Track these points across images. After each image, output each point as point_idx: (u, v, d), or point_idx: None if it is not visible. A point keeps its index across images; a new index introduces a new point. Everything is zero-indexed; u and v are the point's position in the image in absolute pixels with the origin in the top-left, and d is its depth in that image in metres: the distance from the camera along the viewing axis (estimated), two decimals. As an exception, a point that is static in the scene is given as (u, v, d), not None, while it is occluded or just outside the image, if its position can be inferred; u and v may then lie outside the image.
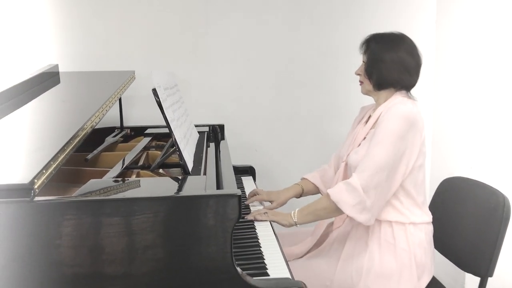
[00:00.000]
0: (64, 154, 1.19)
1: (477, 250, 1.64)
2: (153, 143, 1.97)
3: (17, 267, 1.06)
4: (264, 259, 1.34)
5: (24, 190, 1.02)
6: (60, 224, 1.06)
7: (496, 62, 2.37)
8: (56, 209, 1.06)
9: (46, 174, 1.07)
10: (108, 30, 2.36)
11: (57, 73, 2.10)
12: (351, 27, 2.47)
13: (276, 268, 1.29)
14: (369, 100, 1.76)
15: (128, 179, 1.40)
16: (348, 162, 1.69)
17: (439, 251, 1.79)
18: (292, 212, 1.63)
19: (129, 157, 1.66)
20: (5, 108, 1.54)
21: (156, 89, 1.38)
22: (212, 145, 1.97)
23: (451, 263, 1.77)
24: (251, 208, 1.75)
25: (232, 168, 1.73)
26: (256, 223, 1.61)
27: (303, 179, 1.91)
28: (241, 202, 1.14)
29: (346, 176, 1.73)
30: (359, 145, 1.68)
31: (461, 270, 1.73)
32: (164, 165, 1.61)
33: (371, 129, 1.67)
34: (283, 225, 1.62)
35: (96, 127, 1.50)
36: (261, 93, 2.52)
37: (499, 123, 2.41)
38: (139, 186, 1.28)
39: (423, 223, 1.65)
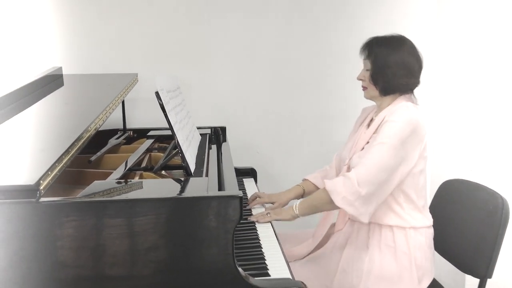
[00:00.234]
0: (69, 156, 1.21)
1: (476, 252, 1.65)
2: (156, 145, 1.99)
3: (22, 267, 1.08)
4: (265, 260, 1.35)
5: (30, 191, 1.04)
6: (65, 224, 1.08)
7: (495, 65, 2.38)
8: (61, 210, 1.08)
9: (52, 176, 1.09)
10: (111, 33, 2.38)
11: (61, 76, 2.12)
12: (353, 28, 2.48)
13: (277, 268, 1.31)
14: (371, 101, 1.77)
15: (131, 181, 1.42)
16: (351, 165, 1.69)
17: (439, 252, 1.80)
18: (294, 205, 1.66)
19: (132, 159, 1.68)
20: (10, 110, 1.56)
21: (159, 92, 1.40)
22: (214, 147, 1.99)
23: (451, 264, 1.78)
24: (253, 212, 1.76)
25: (233, 170, 1.74)
26: (257, 224, 1.62)
27: (304, 180, 1.92)
28: (242, 203, 1.16)
29: None
30: (362, 149, 1.68)
31: (461, 272, 1.74)
32: (167, 166, 1.63)
33: (374, 133, 1.66)
34: (287, 220, 1.65)
35: (99, 129, 1.52)
36: (262, 95, 2.53)
37: (498, 125, 2.42)
38: (143, 187, 1.30)
39: (424, 227, 1.66)
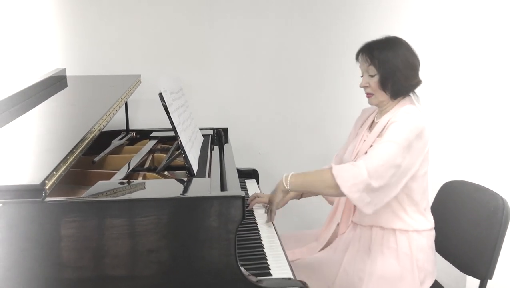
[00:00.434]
0: (74, 156, 1.22)
1: (477, 253, 1.66)
2: (159, 146, 2.00)
3: (26, 266, 1.09)
4: (267, 260, 1.37)
5: (35, 191, 1.05)
6: (70, 224, 1.09)
7: (497, 66, 2.39)
8: (66, 209, 1.09)
9: (57, 176, 1.10)
10: (114, 35, 2.40)
11: (65, 77, 2.14)
12: (354, 29, 2.47)
13: (278, 268, 1.32)
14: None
15: (135, 181, 1.43)
16: None
17: (440, 253, 1.81)
18: (284, 179, 1.58)
19: (135, 160, 1.69)
20: (16, 111, 1.57)
21: (163, 94, 1.41)
22: (216, 148, 2.00)
23: (452, 265, 1.79)
24: (255, 212, 1.77)
25: (236, 171, 1.76)
26: (259, 224, 1.63)
27: None
28: (245, 203, 1.17)
29: None
30: (365, 153, 1.66)
31: (462, 273, 1.74)
32: (170, 167, 1.64)
33: (378, 137, 1.65)
34: (280, 198, 1.61)
35: (103, 130, 1.53)
36: (265, 96, 2.54)
37: (499, 126, 2.43)
38: (147, 187, 1.31)
39: (426, 229, 1.66)
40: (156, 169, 1.59)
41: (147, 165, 1.70)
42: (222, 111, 2.53)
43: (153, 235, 1.12)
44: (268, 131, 2.58)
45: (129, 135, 2.21)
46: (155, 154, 1.85)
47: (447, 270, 1.88)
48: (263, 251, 1.42)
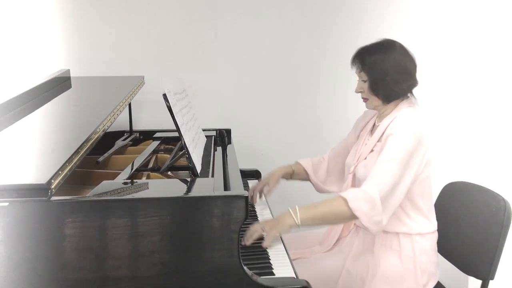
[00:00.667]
0: (78, 156, 1.23)
1: (479, 253, 1.67)
2: (162, 147, 2.02)
3: (32, 265, 1.10)
4: (270, 259, 1.38)
5: (41, 190, 1.06)
6: (75, 223, 1.10)
7: (499, 68, 2.40)
8: (72, 208, 1.11)
9: (62, 175, 1.12)
10: (118, 36, 2.41)
11: (69, 78, 2.16)
12: (358, 31, 2.48)
13: (281, 267, 1.33)
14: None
15: (139, 181, 1.44)
16: (356, 174, 1.69)
17: (442, 254, 1.82)
18: (294, 214, 1.47)
19: (138, 160, 1.71)
20: (20, 112, 1.59)
21: (167, 94, 1.42)
22: (219, 149, 2.01)
23: (453, 266, 1.80)
24: (258, 212, 1.78)
25: (239, 171, 1.76)
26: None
27: (296, 162, 1.95)
28: (248, 203, 1.18)
29: (354, 187, 1.71)
30: (365, 158, 1.67)
31: (464, 273, 1.75)
32: (173, 167, 1.66)
33: (378, 141, 1.65)
34: (285, 232, 1.48)
35: (107, 130, 1.54)
36: (267, 98, 2.56)
37: (501, 127, 2.43)
38: (152, 187, 1.32)
39: (429, 232, 1.67)
40: (160, 169, 1.60)
41: (150, 165, 1.71)
42: (225, 112, 2.54)
43: (158, 235, 1.13)
44: (270, 132, 2.58)
45: (132, 136, 2.22)
46: (158, 155, 1.86)
47: (448, 271, 1.89)
48: (265, 250, 1.43)
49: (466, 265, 1.73)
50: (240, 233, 1.18)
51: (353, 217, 1.48)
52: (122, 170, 1.59)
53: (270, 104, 2.56)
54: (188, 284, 1.16)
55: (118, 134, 2.21)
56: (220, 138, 2.22)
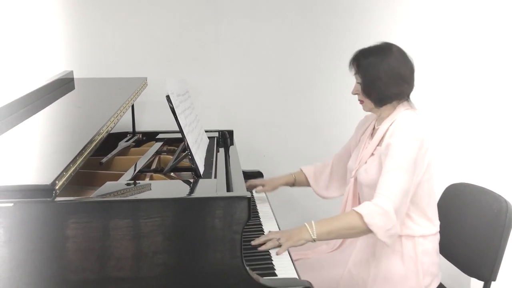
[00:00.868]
0: (82, 157, 1.24)
1: (480, 255, 1.67)
2: (165, 148, 2.02)
3: (35, 265, 1.11)
4: (272, 260, 1.38)
5: (46, 191, 1.07)
6: (79, 223, 1.11)
7: (500, 69, 2.40)
8: (76, 209, 1.11)
9: (66, 176, 1.12)
10: (121, 38, 2.42)
11: (72, 79, 2.17)
12: (361, 32, 2.48)
13: (283, 268, 1.34)
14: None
15: (143, 182, 1.45)
16: (358, 178, 1.70)
17: (444, 255, 1.82)
18: (308, 226, 1.49)
19: (141, 161, 1.71)
20: (25, 112, 1.60)
21: (170, 96, 1.43)
22: (221, 150, 2.02)
23: (455, 267, 1.80)
24: (260, 213, 1.79)
25: (241, 172, 1.77)
26: (264, 225, 1.65)
27: (300, 170, 2.00)
28: (250, 204, 1.19)
29: (356, 191, 1.74)
30: (366, 162, 1.68)
31: (466, 275, 1.75)
32: (176, 168, 1.66)
33: (378, 145, 1.65)
34: (300, 245, 1.49)
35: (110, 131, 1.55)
36: (269, 99, 2.56)
37: (502, 129, 2.44)
38: (155, 188, 1.33)
39: (432, 234, 1.67)
40: (163, 171, 1.61)
41: (153, 166, 1.72)
42: (227, 114, 2.54)
43: (161, 235, 1.14)
44: (272, 133, 2.59)
45: (135, 137, 2.23)
46: (161, 156, 1.87)
47: (450, 272, 1.89)
48: (268, 251, 1.44)
49: (468, 266, 1.73)
50: (243, 234, 1.19)
51: (369, 231, 1.48)
52: (125, 171, 1.60)
53: (272, 105, 2.57)
54: (191, 284, 1.17)
55: (121, 135, 2.22)
56: (223, 139, 2.22)
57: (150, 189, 1.33)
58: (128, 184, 1.36)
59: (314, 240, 1.49)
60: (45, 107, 1.70)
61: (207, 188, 1.32)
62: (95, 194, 1.22)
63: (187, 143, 1.47)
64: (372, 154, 1.67)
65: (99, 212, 1.13)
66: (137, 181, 1.45)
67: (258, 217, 1.76)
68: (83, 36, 2.40)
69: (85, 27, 2.39)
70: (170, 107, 1.43)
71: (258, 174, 2.23)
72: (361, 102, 1.69)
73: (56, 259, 1.11)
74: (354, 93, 1.70)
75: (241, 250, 1.18)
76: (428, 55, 2.47)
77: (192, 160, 1.47)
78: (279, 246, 1.45)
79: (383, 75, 1.59)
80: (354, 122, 1.95)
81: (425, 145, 1.56)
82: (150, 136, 2.22)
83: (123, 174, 1.55)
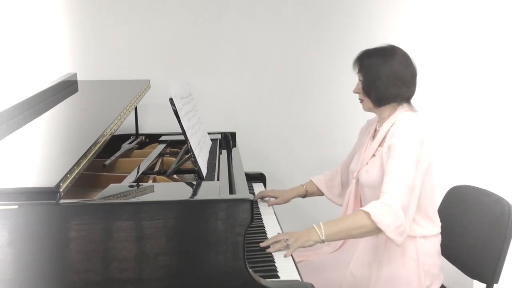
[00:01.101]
0: (86, 160, 1.25)
1: (483, 257, 1.67)
2: (168, 150, 2.03)
3: (39, 267, 1.11)
4: (275, 262, 1.38)
5: (50, 193, 1.08)
6: (83, 225, 1.12)
7: (502, 71, 2.40)
8: (80, 211, 1.12)
9: (70, 178, 1.13)
10: (124, 41, 2.43)
11: (76, 82, 2.18)
12: (363, 35, 2.49)
13: (286, 271, 1.34)
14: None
15: (146, 184, 1.46)
16: (359, 179, 1.71)
17: (446, 258, 1.82)
18: (317, 227, 1.50)
19: (145, 163, 1.72)
20: (28, 115, 1.61)
21: (173, 99, 1.44)
22: (224, 152, 2.02)
23: (458, 270, 1.80)
24: (262, 215, 1.80)
25: (244, 175, 1.78)
26: (267, 227, 1.65)
27: (309, 181, 2.00)
28: (253, 206, 1.19)
29: (357, 192, 1.75)
30: (367, 163, 1.69)
31: (468, 277, 1.75)
32: (179, 171, 1.67)
33: (379, 146, 1.67)
34: (309, 246, 1.50)
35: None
36: (272, 101, 2.57)
37: (505, 131, 2.43)
38: (159, 190, 1.34)
39: (433, 235, 1.67)
40: (166, 173, 1.62)
41: (156, 168, 1.73)
42: (230, 116, 2.55)
43: (164, 237, 1.15)
44: (275, 135, 2.60)
45: (138, 139, 2.24)
46: (164, 158, 1.88)
47: (453, 275, 1.89)
48: (270, 253, 1.44)
49: (471, 268, 1.73)
50: (246, 236, 1.19)
51: (377, 230, 1.48)
52: (129, 173, 1.61)
53: (275, 107, 2.57)
54: (193, 286, 1.17)
55: (124, 137, 2.23)
56: (225, 141, 2.23)
57: (153, 191, 1.34)
58: (131, 186, 1.37)
59: (323, 241, 1.49)
60: (48, 110, 1.71)
61: (210, 191, 1.33)
62: (98, 196, 1.22)
63: (190, 146, 1.48)
64: (374, 155, 1.68)
65: (103, 214, 1.13)
66: (140, 183, 1.46)
67: (261, 219, 1.76)
68: (87, 38, 2.41)
69: (88, 30, 2.40)
70: (173, 110, 1.44)
71: (261, 176, 2.25)
72: (361, 101, 1.72)
73: (60, 261, 1.12)
74: (355, 91, 1.73)
75: (243, 252, 1.18)
76: (429, 58, 2.47)
77: (195, 162, 1.48)
78: (287, 247, 1.46)
79: (384, 76, 1.62)
80: (356, 123, 1.95)
81: (426, 144, 1.57)
82: (153, 138, 2.23)
83: (126, 176, 1.56)
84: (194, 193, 1.33)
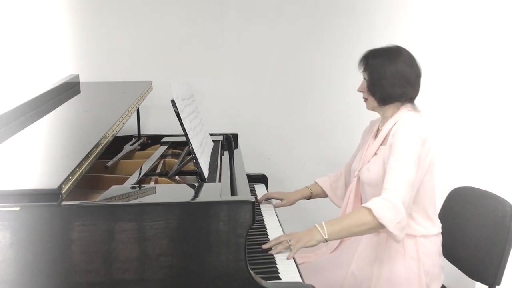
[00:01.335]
0: (88, 161, 1.25)
1: (485, 259, 1.67)
2: (170, 151, 2.03)
3: (41, 269, 1.12)
4: (276, 264, 1.39)
5: (52, 195, 1.08)
6: (85, 227, 1.12)
7: (504, 72, 2.39)
8: (82, 213, 1.13)
9: (72, 180, 1.14)
10: (126, 42, 2.44)
11: (78, 83, 2.19)
12: (365, 35, 2.49)
13: (287, 272, 1.34)
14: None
15: (148, 186, 1.46)
16: (360, 177, 1.72)
17: (448, 259, 1.82)
18: (319, 227, 1.50)
19: (147, 165, 1.72)
20: (31, 117, 1.62)
21: (175, 100, 1.44)
22: (226, 153, 2.03)
23: (460, 271, 1.80)
24: (264, 217, 1.80)
25: (246, 176, 1.78)
26: (268, 229, 1.65)
27: (314, 183, 2.01)
28: (255, 208, 1.19)
29: (358, 191, 1.75)
30: (369, 161, 1.70)
31: (470, 278, 1.75)
32: (181, 172, 1.67)
33: (381, 145, 1.68)
34: (312, 245, 1.49)
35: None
36: (273, 102, 2.57)
37: (506, 133, 2.43)
38: (160, 192, 1.34)
39: (433, 235, 1.68)
40: (168, 174, 1.62)
41: (158, 170, 1.73)
42: (232, 117, 2.55)
43: (166, 239, 1.15)
44: (277, 136, 2.60)
45: (140, 140, 2.24)
46: (166, 159, 1.88)
47: (455, 276, 1.89)
48: (272, 255, 1.44)
49: (472, 270, 1.73)
50: (247, 237, 1.19)
51: (379, 226, 1.48)
52: (131, 174, 1.61)
53: (276, 109, 2.58)
54: (195, 287, 1.18)
55: (126, 139, 2.24)
56: (227, 143, 2.23)
57: (155, 193, 1.34)
58: (133, 188, 1.38)
59: (326, 240, 1.49)
60: (51, 111, 1.72)
61: (212, 192, 1.33)
62: (100, 198, 1.23)
63: (192, 147, 1.48)
64: (375, 154, 1.70)
65: (105, 215, 1.14)
66: (142, 185, 1.46)
67: (263, 220, 1.76)
68: (89, 40, 2.42)
69: (90, 32, 2.41)
70: (175, 112, 1.44)
71: (263, 178, 2.25)
72: (365, 100, 1.73)
73: (62, 262, 1.13)
74: (359, 90, 1.74)
75: (245, 254, 1.18)
76: (432, 59, 2.47)
77: (197, 164, 1.48)
78: (289, 248, 1.46)
79: (389, 76, 1.63)
80: (359, 125, 1.95)
81: (427, 143, 1.59)
82: (155, 140, 2.24)
83: (128, 177, 1.57)
84: (196, 194, 1.34)
